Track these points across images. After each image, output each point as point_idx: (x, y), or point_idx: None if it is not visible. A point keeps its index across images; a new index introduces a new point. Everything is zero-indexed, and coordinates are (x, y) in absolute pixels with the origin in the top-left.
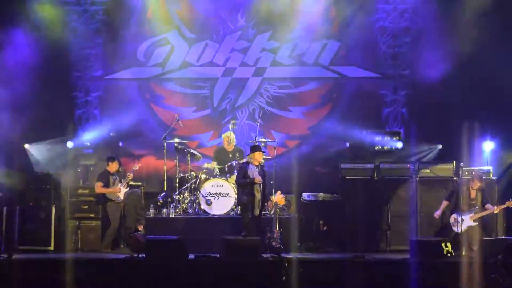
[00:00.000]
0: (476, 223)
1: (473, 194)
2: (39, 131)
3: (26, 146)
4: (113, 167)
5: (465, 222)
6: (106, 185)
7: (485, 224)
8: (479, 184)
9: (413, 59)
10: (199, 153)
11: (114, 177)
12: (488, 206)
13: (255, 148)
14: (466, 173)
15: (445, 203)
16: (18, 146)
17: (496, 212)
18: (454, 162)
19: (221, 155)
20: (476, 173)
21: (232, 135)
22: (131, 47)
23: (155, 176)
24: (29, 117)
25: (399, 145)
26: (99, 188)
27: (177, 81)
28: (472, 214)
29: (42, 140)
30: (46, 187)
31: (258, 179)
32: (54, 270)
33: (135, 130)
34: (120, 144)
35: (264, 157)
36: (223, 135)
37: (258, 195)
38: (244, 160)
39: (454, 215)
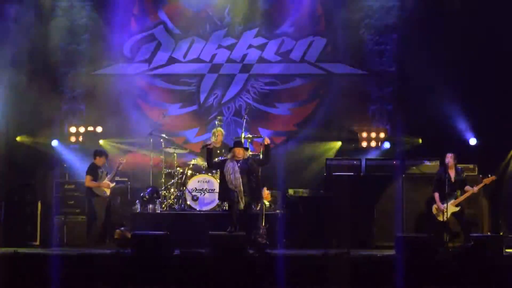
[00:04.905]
0: (459, 208)
1: (452, 176)
2: (27, 126)
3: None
4: (100, 161)
5: (449, 209)
6: (95, 179)
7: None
8: (454, 159)
9: (399, 56)
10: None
11: (101, 170)
12: (468, 188)
13: (234, 144)
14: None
15: (437, 195)
16: (6, 140)
17: (476, 191)
18: (440, 159)
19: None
20: (449, 153)
21: (220, 131)
22: (117, 43)
23: (141, 172)
24: (17, 112)
25: (387, 144)
26: (88, 181)
27: (164, 77)
28: (453, 200)
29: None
30: (31, 182)
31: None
32: (40, 266)
33: (122, 126)
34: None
35: (251, 153)
36: (212, 130)
37: (238, 189)
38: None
39: (435, 205)
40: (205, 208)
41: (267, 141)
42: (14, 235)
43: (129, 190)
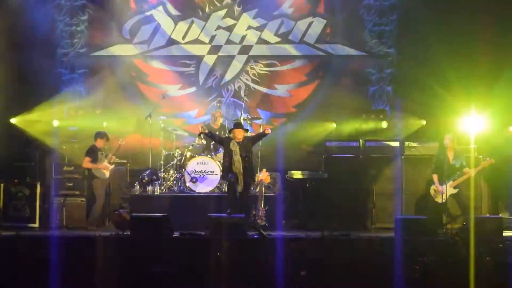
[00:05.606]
0: (457, 190)
1: (451, 157)
2: (25, 107)
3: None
4: (100, 143)
5: (447, 191)
6: (94, 160)
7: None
8: (453, 141)
9: (399, 37)
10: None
11: (101, 152)
12: (466, 170)
13: (234, 125)
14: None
15: (435, 177)
16: (5, 122)
17: (473, 174)
18: (439, 141)
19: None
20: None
21: (219, 113)
22: (116, 24)
23: (140, 154)
24: (15, 93)
25: (385, 124)
26: (86, 163)
27: (163, 59)
28: (451, 182)
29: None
30: (31, 164)
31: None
32: (39, 248)
33: (121, 108)
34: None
35: (249, 134)
36: (212, 112)
37: (239, 172)
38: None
39: (433, 186)
40: (204, 190)
41: (268, 132)
42: (13, 217)
43: (128, 172)
